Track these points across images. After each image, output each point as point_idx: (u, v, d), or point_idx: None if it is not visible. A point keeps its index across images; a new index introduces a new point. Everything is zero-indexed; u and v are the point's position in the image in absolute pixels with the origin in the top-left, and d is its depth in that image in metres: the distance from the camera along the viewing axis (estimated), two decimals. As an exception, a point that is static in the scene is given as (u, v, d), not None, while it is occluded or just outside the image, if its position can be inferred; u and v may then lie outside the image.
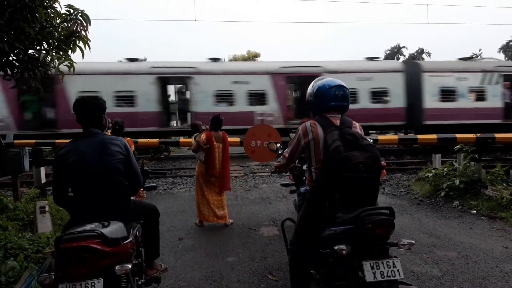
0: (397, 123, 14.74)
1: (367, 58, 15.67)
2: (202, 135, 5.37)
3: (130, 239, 2.25)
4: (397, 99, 14.56)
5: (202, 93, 13.94)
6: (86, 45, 3.48)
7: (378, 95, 14.55)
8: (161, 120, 14.17)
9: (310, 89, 2.63)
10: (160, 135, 13.25)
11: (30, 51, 3.48)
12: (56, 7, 3.41)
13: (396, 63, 15.47)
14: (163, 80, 14.39)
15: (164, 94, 14.86)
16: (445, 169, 7.12)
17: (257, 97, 14.05)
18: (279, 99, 14.29)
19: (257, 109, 14.06)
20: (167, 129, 14.54)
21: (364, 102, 14.31)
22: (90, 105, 2.49)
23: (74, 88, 13.20)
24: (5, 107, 13.07)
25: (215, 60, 15.01)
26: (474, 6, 64.75)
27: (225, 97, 14.09)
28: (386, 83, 14.57)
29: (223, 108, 13.74)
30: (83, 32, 3.41)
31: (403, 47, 51.11)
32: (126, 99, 13.79)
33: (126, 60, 14.84)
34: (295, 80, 15.09)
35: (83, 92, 13.22)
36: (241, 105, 14.05)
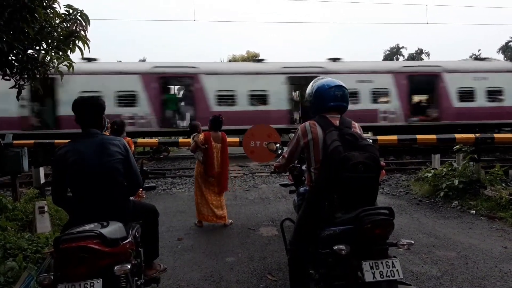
0: (511, 121, 15.21)
1: (476, 59, 16.33)
2: (201, 135, 5.37)
3: (129, 239, 2.25)
4: (511, 98, 15.14)
5: None
6: (86, 45, 3.48)
7: (493, 94, 15.05)
8: (290, 118, 14.78)
9: (309, 89, 2.63)
10: (288, 132, 14.22)
11: (29, 51, 3.48)
12: (55, 7, 3.41)
13: (510, 64, 16.30)
14: (293, 79, 14.93)
15: (292, 93, 15.50)
16: (444, 169, 7.13)
17: (380, 95, 14.53)
18: (401, 97, 14.75)
19: (380, 106, 14.60)
20: (294, 126, 15.07)
21: (480, 101, 14.84)
22: (90, 105, 2.49)
23: (211, 87, 13.83)
24: (147, 105, 13.70)
25: (335, 60, 15.59)
26: (473, 6, 64.85)
27: (350, 95, 14.33)
28: (501, 82, 15.12)
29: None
30: (82, 32, 3.41)
31: (402, 47, 51.20)
32: (259, 98, 14.32)
33: (253, 61, 15.55)
34: (416, 78, 15.40)
35: (220, 91, 13.99)
36: (365, 103, 14.54)
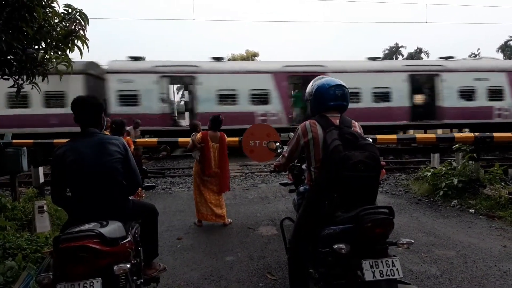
0: None
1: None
2: (198, 134, 5.37)
3: (129, 238, 2.25)
4: None
5: (448, 89, 14.99)
6: (85, 44, 3.47)
7: None
8: (410, 115, 15.22)
9: (309, 88, 2.63)
10: (408, 128, 15.14)
11: (28, 51, 3.47)
12: (54, 7, 3.40)
13: None
14: (414, 77, 15.48)
15: (413, 91, 15.94)
16: (444, 168, 7.13)
17: (495, 93, 15.10)
18: None
19: (495, 104, 15.13)
20: (415, 122, 15.55)
21: None
22: (89, 105, 2.48)
23: None
24: (279, 102, 14.53)
25: (446, 58, 16.21)
26: (473, 5, 65.00)
27: (467, 92, 15.13)
28: None
29: (463, 103, 15.05)
30: (81, 32, 3.40)
31: (402, 46, 51.17)
32: (382, 95, 14.83)
33: (367, 59, 16.15)
34: None
35: None
36: (481, 101, 15.07)
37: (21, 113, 13.48)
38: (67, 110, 12.50)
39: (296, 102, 15.36)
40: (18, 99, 13.12)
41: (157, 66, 14.28)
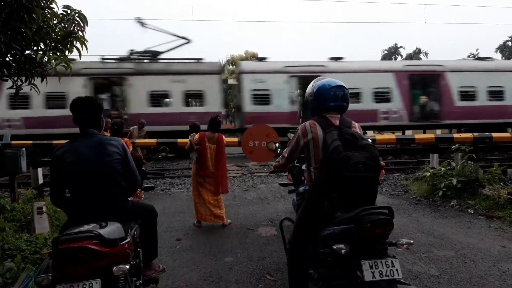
0: None
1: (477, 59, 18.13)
2: (196, 135, 5.37)
3: (128, 239, 2.25)
4: None
5: None
6: (83, 45, 3.47)
7: None
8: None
9: (309, 88, 2.63)
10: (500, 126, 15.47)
11: (27, 52, 3.47)
12: (53, 8, 3.39)
13: None
14: None
15: None
16: (443, 168, 7.14)
17: None
18: None
19: None
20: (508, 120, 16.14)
21: None
22: (88, 105, 2.48)
23: (455, 84, 15.14)
24: (400, 100, 15.08)
25: None
26: (472, 6, 65.10)
27: None
28: None
29: None
30: (80, 33, 3.40)
31: (401, 47, 51.32)
32: (496, 94, 15.47)
33: (475, 59, 17.12)
34: None
35: (462, 87, 15.11)
36: None
37: (163, 111, 14.16)
38: (205, 108, 13.56)
39: (416, 100, 15.83)
40: (158, 99, 14.27)
41: (286, 66, 14.81)
